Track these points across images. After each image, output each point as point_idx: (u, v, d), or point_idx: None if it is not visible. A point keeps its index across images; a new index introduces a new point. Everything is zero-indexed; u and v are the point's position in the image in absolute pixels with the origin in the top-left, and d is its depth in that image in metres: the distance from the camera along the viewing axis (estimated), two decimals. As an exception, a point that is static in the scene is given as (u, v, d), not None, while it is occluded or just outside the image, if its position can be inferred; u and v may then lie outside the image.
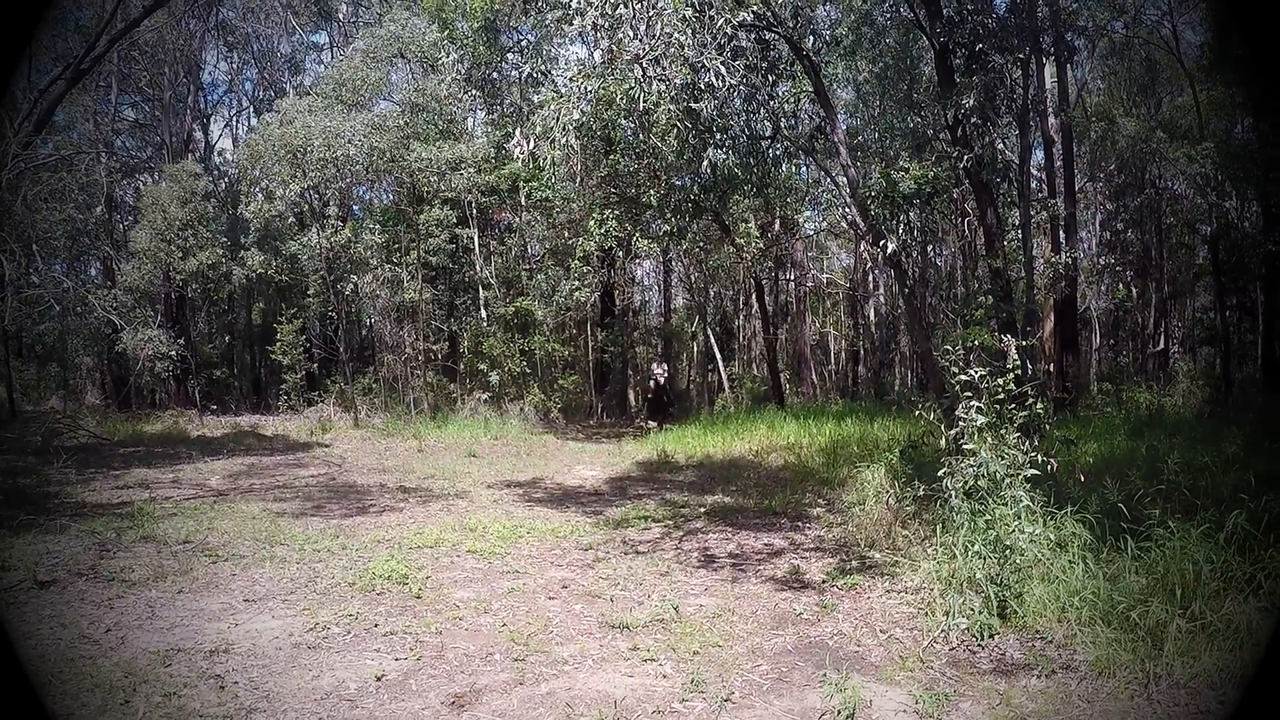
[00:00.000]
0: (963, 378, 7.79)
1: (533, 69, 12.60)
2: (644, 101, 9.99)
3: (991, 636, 6.63)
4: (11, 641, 5.98)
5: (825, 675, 5.97)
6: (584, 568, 9.08)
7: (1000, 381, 7.74)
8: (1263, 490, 7.14)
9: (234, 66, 37.35)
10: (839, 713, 5.41)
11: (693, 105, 10.19)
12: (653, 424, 22.94)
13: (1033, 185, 25.42)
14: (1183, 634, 5.88)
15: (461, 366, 28.05)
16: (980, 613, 6.75)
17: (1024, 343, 9.22)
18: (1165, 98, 30.53)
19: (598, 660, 6.30)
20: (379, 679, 5.87)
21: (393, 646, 6.51)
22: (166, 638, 6.53)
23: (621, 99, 10.45)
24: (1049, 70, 22.69)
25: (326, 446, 19.92)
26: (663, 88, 10.00)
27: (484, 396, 25.46)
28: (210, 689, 5.65)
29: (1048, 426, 10.24)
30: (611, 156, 16.44)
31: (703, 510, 12.13)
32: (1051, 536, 7.29)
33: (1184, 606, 6.04)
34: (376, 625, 6.96)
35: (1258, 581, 6.20)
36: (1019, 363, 8.04)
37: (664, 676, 6.00)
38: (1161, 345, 30.46)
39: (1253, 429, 14.33)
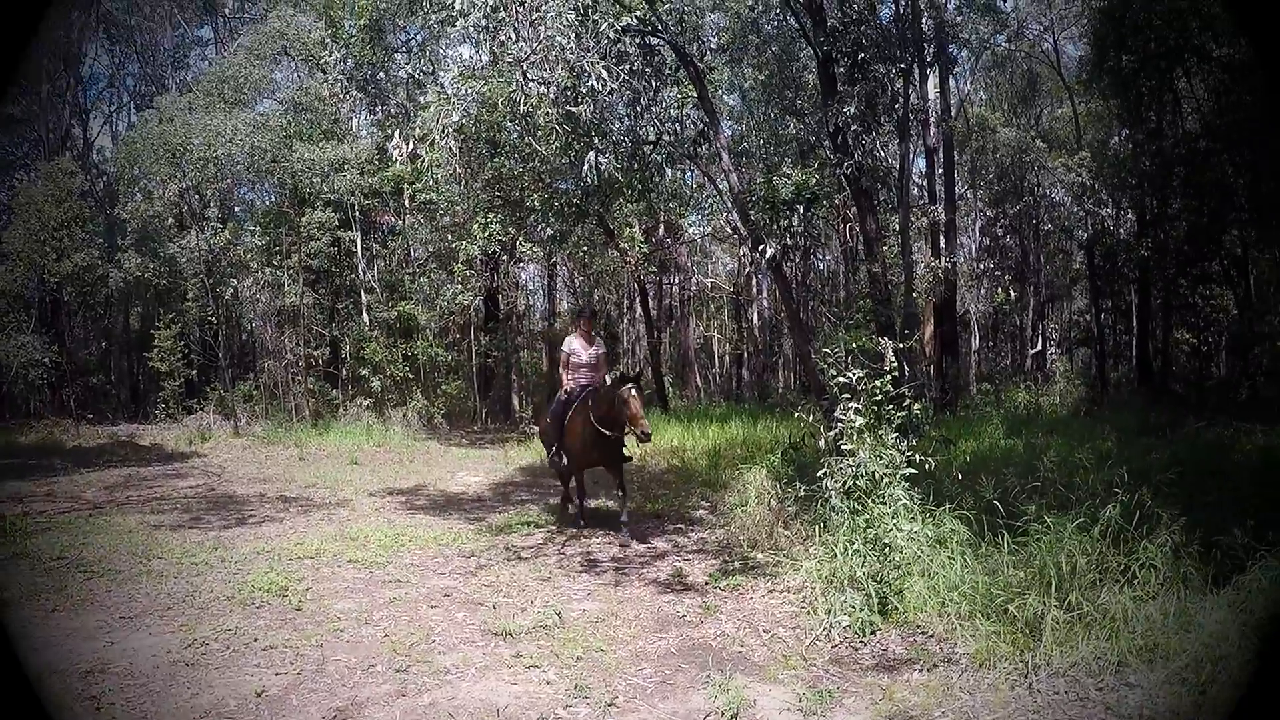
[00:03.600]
0: (841, 380, 7.90)
1: (416, 70, 12.46)
2: (524, 104, 9.94)
3: (873, 633, 6.75)
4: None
5: (709, 676, 6.01)
6: (466, 575, 9.00)
7: (878, 383, 7.86)
8: (1135, 484, 7.34)
9: (116, 60, 36.00)
10: (723, 713, 5.45)
11: (572, 109, 10.15)
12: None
13: (915, 192, 25.90)
14: (1060, 625, 6.04)
15: (344, 372, 27.58)
16: (861, 610, 6.85)
17: (901, 345, 9.37)
18: (1045, 109, 31.52)
19: (481, 669, 6.25)
20: (259, 695, 5.72)
21: (273, 661, 6.36)
22: (40, 658, 6.25)
23: (504, 102, 10.36)
24: (932, 81, 23.09)
25: (205, 456, 19.42)
26: (544, 90, 9.95)
27: (366, 403, 25.05)
28: (86, 711, 5.48)
29: (926, 426, 10.42)
30: (497, 159, 16.29)
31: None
32: (930, 533, 7.42)
33: (1061, 598, 6.19)
34: (256, 640, 6.80)
35: (1132, 572, 6.38)
36: (896, 365, 8.16)
37: (547, 683, 5.97)
38: (1039, 347, 31.25)
39: (1126, 426, 14.79)
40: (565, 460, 11.45)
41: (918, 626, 6.71)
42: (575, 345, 11.56)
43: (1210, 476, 9.60)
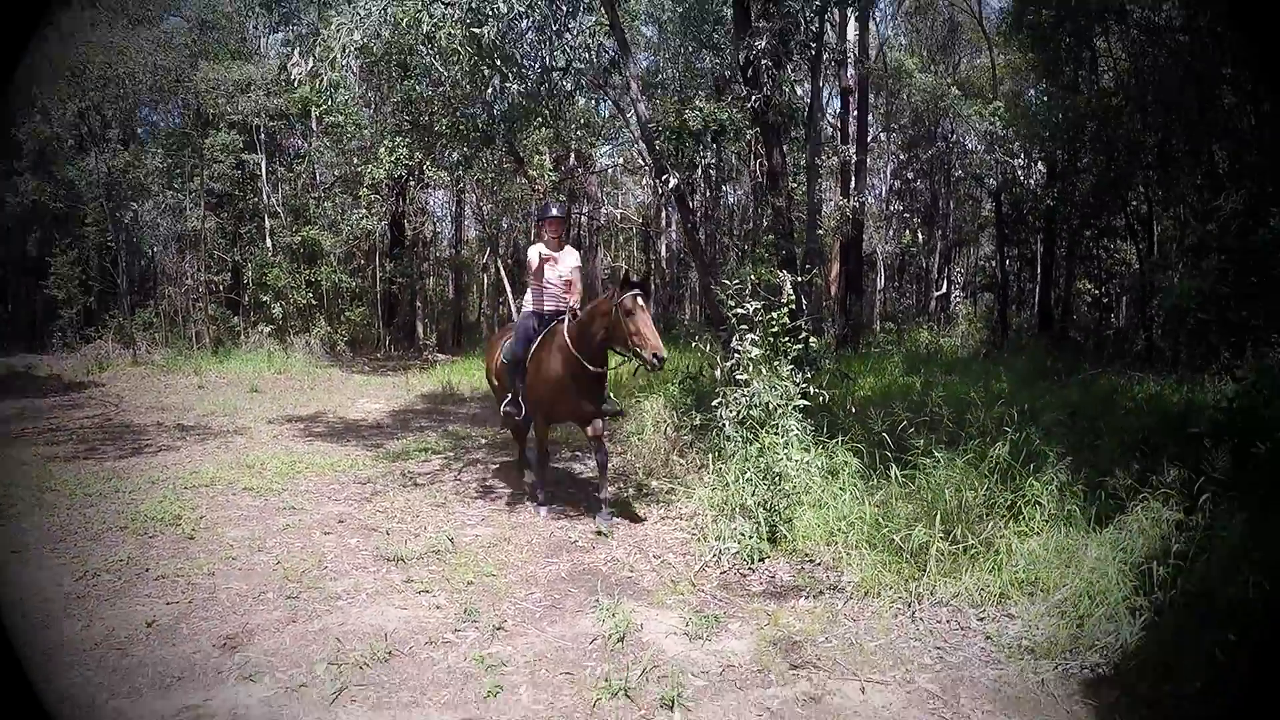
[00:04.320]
0: (739, 311, 7.93)
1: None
2: (428, 25, 9.73)
3: (762, 560, 6.86)
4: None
5: (598, 601, 6.06)
6: (361, 501, 8.96)
7: (774, 316, 7.89)
8: (1026, 424, 7.48)
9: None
10: (610, 637, 5.49)
11: (475, 30, 9.95)
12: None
13: (829, 132, 25.97)
14: (945, 556, 6.19)
15: (246, 298, 27.09)
16: (751, 538, 6.95)
17: (801, 280, 9.40)
18: (964, 58, 31.76)
19: (372, 594, 6.25)
20: (150, 625, 5.64)
21: (164, 591, 6.28)
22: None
23: (408, 22, 10.13)
24: (852, 22, 23.08)
25: (103, 385, 18.94)
26: (448, 11, 9.75)
27: (268, 329, 24.70)
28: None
29: (823, 360, 10.46)
30: (406, 82, 15.96)
31: (484, 442, 12.14)
32: (822, 464, 7.53)
33: (947, 531, 6.31)
34: (148, 570, 6.70)
35: (1018, 508, 6.52)
36: (793, 298, 8.20)
37: (437, 608, 5.99)
38: (944, 289, 31.65)
39: (1023, 369, 15.08)
40: (523, 410, 8.77)
41: (806, 555, 6.83)
42: (542, 253, 8.79)
43: (1100, 421, 9.79)
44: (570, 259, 9.00)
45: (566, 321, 8.40)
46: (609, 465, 8.59)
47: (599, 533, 7.90)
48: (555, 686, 4.90)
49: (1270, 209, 13.89)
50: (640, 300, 7.65)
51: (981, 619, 5.81)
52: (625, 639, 5.49)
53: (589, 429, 8.53)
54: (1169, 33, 19.15)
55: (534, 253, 8.84)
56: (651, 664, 5.13)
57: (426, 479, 9.96)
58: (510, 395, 8.85)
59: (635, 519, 8.31)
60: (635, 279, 7.80)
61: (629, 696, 4.76)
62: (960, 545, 6.26)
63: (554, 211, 9.11)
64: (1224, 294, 9.08)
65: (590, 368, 8.11)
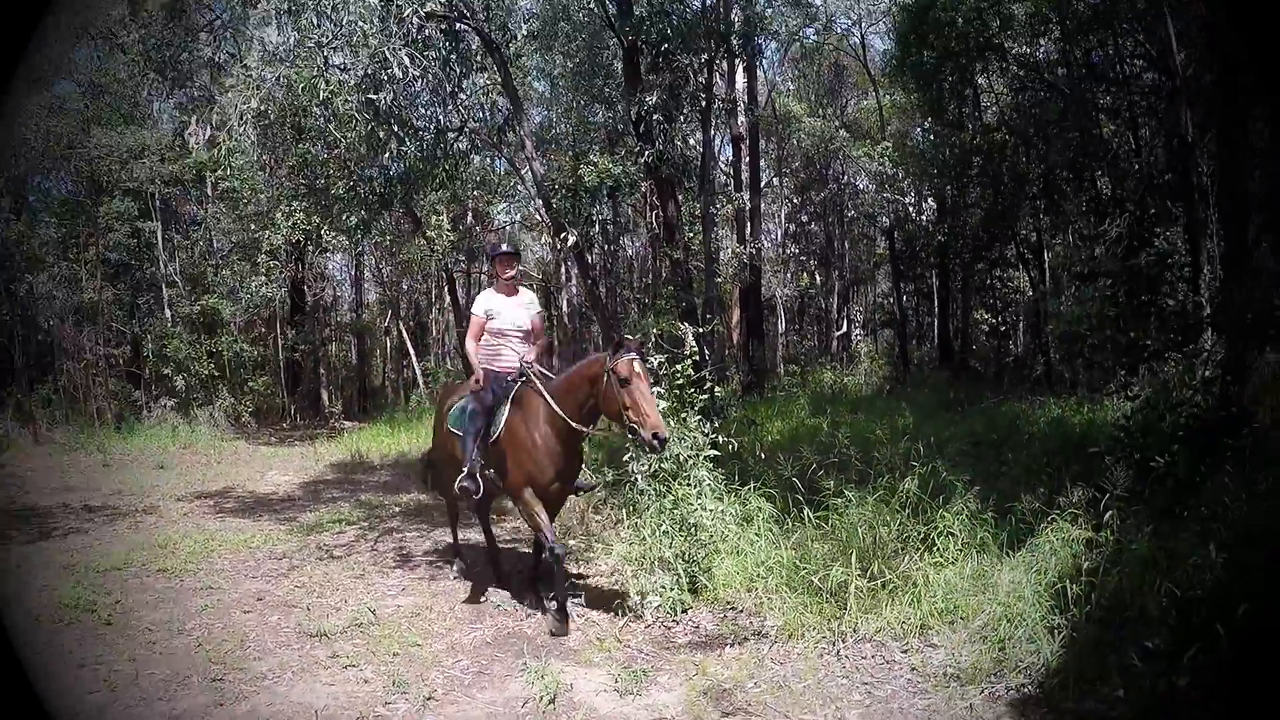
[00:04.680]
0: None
1: (219, 54, 12.09)
2: (325, 91, 9.76)
3: (685, 611, 6.93)
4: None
5: (525, 664, 6.04)
6: (279, 577, 8.81)
7: (679, 368, 8.01)
8: (931, 457, 7.66)
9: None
10: (540, 699, 5.49)
11: (372, 97, 10.00)
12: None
13: (721, 180, 26.31)
14: (864, 593, 6.34)
15: (146, 371, 26.52)
16: (672, 590, 7.02)
17: (703, 330, 9.54)
18: (851, 100, 32.40)
19: (298, 671, 6.15)
20: (73, 718, 5.50)
21: (84, 680, 6.08)
22: None
23: (304, 89, 10.14)
24: (740, 71, 23.47)
25: (3, 467, 18.45)
26: (344, 78, 9.80)
27: (171, 403, 24.13)
28: None
29: (729, 408, 10.59)
30: (301, 146, 15.86)
31: (398, 510, 12.01)
32: (736, 512, 7.65)
33: (864, 568, 6.46)
34: (67, 658, 6.49)
35: (931, 540, 6.69)
36: (696, 349, 8.32)
37: (365, 681, 5.93)
38: (845, 329, 32.12)
39: (926, 402, 15.38)
40: (481, 487, 7.41)
41: (728, 603, 6.93)
42: (495, 302, 7.86)
43: (1004, 447, 10.04)
44: (529, 303, 8.06)
45: (535, 380, 7.42)
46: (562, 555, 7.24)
47: (552, 634, 6.84)
48: (491, 753, 4.90)
49: (1154, 231, 14.43)
50: (638, 367, 6.69)
51: (905, 651, 5.95)
52: (556, 700, 5.49)
53: (554, 506, 7.51)
54: (1047, 67, 19.85)
55: (481, 305, 7.93)
56: (584, 722, 5.16)
57: (343, 550, 9.83)
58: (466, 470, 7.44)
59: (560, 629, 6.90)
60: (631, 341, 6.85)
61: (565, 757, 4.79)
62: (879, 581, 6.41)
63: (505, 248, 8.14)
64: (1113, 316, 9.40)
65: (582, 429, 7.13)
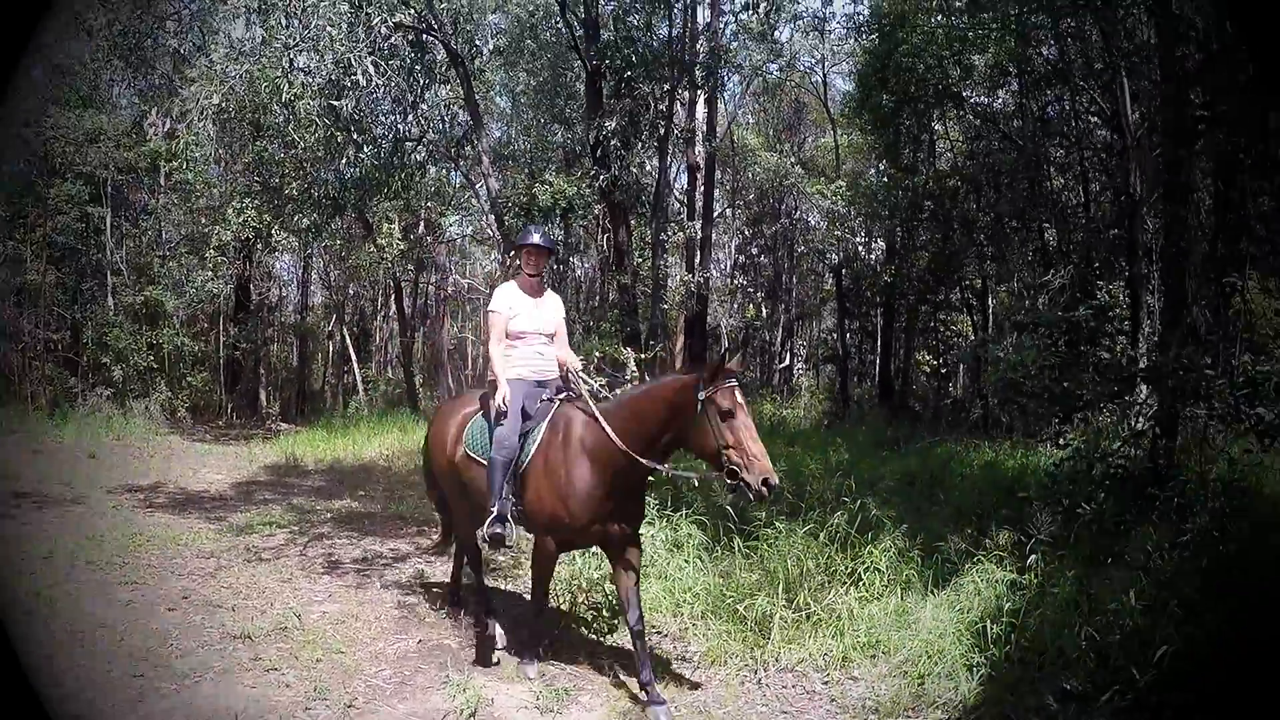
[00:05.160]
0: (586, 387, 8.05)
1: (184, 44, 12.02)
2: (288, 93, 9.75)
3: (611, 632, 6.93)
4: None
5: (448, 677, 6.04)
6: (205, 577, 8.69)
7: (619, 391, 8.06)
8: (862, 493, 7.78)
9: None
10: (461, 712, 5.50)
11: (333, 102, 10.00)
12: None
13: (675, 207, 26.43)
14: (789, 624, 6.43)
15: (84, 359, 26.13)
16: (602, 611, 7.01)
17: (644, 355, 9.60)
18: (810, 137, 32.69)
19: (219, 672, 6.10)
20: (-10, 710, 5.42)
21: (3, 674, 6.01)
22: None
23: (267, 89, 10.12)
24: (701, 101, 23.63)
25: (-70, 451, 18.10)
26: (308, 80, 9.80)
27: (108, 393, 23.81)
28: None
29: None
30: (259, 143, 15.75)
31: (329, 515, 11.86)
32: (666, 537, 7.69)
33: (790, 598, 6.57)
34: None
35: (857, 575, 6.79)
36: (636, 374, 8.38)
37: (286, 686, 5.89)
38: (787, 362, 32.32)
39: (863, 439, 15.54)
40: (512, 533, 6.21)
41: (653, 626, 6.95)
42: (514, 298, 6.60)
43: (936, 488, 10.18)
44: (554, 306, 6.84)
45: (587, 399, 6.30)
46: (642, 621, 5.96)
47: None
48: (409, 763, 4.90)
49: (1096, 284, 14.72)
50: (740, 397, 5.56)
51: (826, 683, 6.04)
52: (477, 714, 5.52)
53: (622, 561, 6.09)
54: (1003, 118, 20.23)
55: (502, 299, 6.61)
56: (503, 738, 5.17)
57: (271, 553, 9.70)
58: (496, 511, 6.10)
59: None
60: (733, 365, 5.71)
61: (484, 770, 4.80)
62: (803, 612, 6.51)
63: (535, 238, 6.71)
64: (1050, 365, 9.57)
65: (650, 466, 5.82)
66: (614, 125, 12.80)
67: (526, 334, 6.59)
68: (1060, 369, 9.38)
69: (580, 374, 6.57)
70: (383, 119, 12.30)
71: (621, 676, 6.14)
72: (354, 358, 30.46)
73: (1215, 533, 6.64)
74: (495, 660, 6.46)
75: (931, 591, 6.80)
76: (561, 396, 6.42)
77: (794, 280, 32.47)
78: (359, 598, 8.09)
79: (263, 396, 31.29)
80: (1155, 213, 12.68)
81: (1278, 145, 9.98)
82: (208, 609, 7.61)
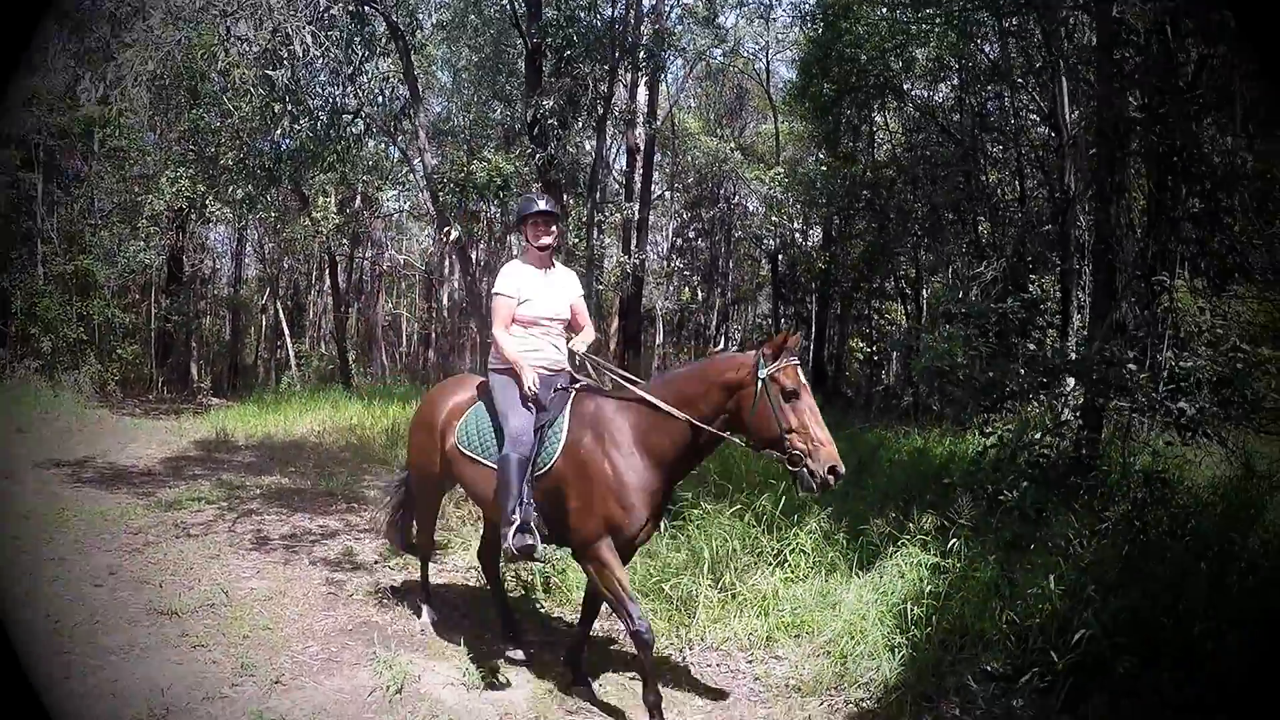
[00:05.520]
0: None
1: (117, 8, 11.79)
2: (223, 60, 9.64)
3: (539, 611, 6.97)
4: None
5: (375, 653, 6.03)
6: (133, 553, 8.58)
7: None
8: (789, 476, 7.89)
9: None
10: (388, 689, 5.51)
11: (270, 72, 9.90)
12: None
13: (614, 189, 26.42)
14: (714, 603, 6.49)
15: (12, 329, 25.64)
16: (526, 588, 7.07)
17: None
18: (751, 123, 32.79)
19: (146, 649, 6.06)
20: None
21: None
22: None
23: (203, 56, 10.01)
24: (643, 84, 23.62)
25: None
26: (244, 49, 9.69)
27: (35, 365, 23.43)
28: None
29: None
30: (194, 111, 15.50)
31: (259, 492, 11.74)
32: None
33: (715, 579, 6.63)
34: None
35: (783, 556, 6.90)
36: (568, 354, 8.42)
37: (214, 662, 5.86)
38: (722, 346, 32.43)
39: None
40: (538, 544, 5.42)
41: (579, 604, 7.00)
42: (524, 279, 5.91)
43: (864, 473, 10.31)
44: (568, 284, 6.19)
45: (594, 386, 5.87)
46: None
47: None
48: (334, 740, 4.91)
49: (1028, 277, 14.97)
50: (802, 376, 5.25)
51: (750, 661, 6.17)
52: (403, 690, 5.52)
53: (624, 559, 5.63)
54: (943, 112, 20.46)
55: (510, 280, 5.90)
56: (430, 715, 5.21)
57: (200, 529, 9.58)
58: (519, 519, 5.39)
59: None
60: (794, 342, 5.31)
61: (408, 747, 4.83)
62: (729, 592, 6.61)
63: (541, 204, 6.00)
64: (978, 355, 9.73)
65: (703, 441, 5.39)
66: (552, 104, 12.75)
67: (539, 320, 5.92)
68: (988, 359, 9.53)
69: (591, 357, 6.04)
70: (320, 90, 12.17)
71: (546, 656, 6.21)
72: (287, 332, 30.15)
73: (1136, 521, 6.84)
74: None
75: (856, 574, 6.93)
76: (578, 386, 5.85)
77: (730, 265, 32.60)
78: (287, 574, 8.05)
79: (194, 370, 30.86)
80: (1088, 210, 12.90)
81: (1210, 149, 10.23)
82: (135, 585, 7.53)
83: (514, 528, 5.34)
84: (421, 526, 6.95)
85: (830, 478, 4.97)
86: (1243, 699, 5.08)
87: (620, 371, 6.04)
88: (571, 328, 6.10)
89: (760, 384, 5.10)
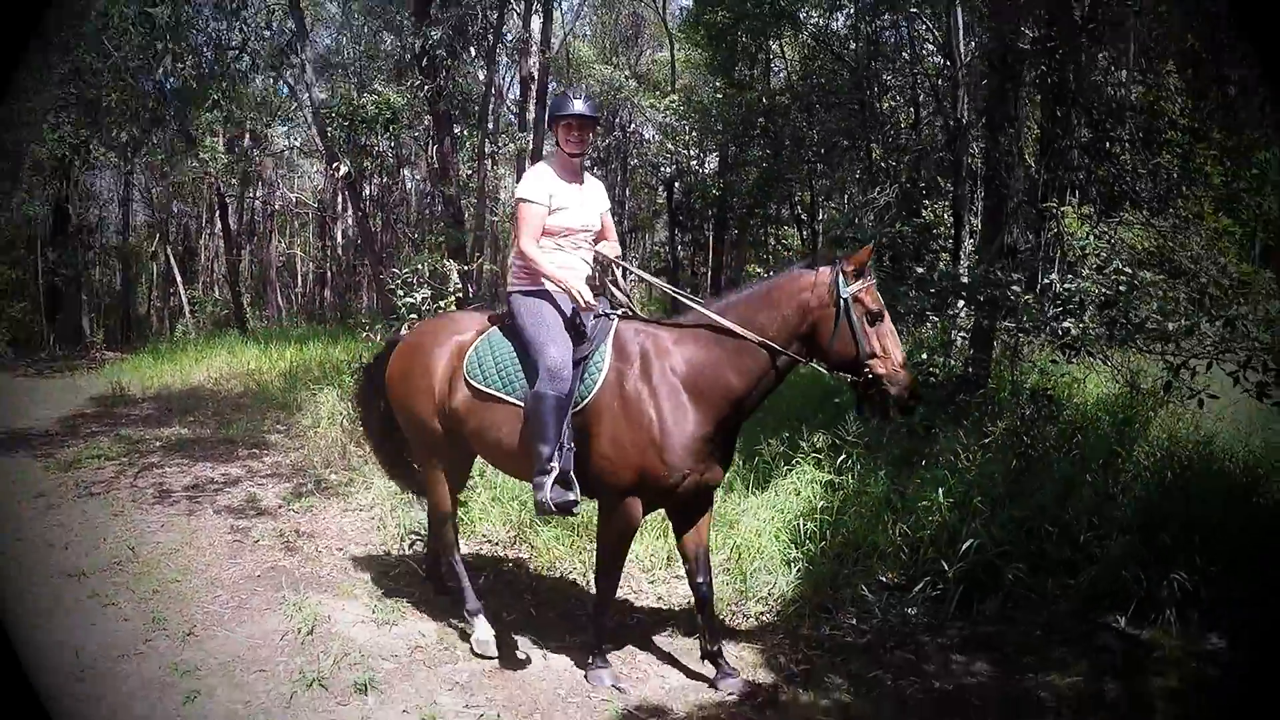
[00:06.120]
0: (409, 300, 8.08)
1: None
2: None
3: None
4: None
5: (284, 597, 6.07)
6: (36, 516, 8.40)
7: (441, 304, 8.12)
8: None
9: None
10: (300, 631, 5.54)
11: (149, 10, 9.66)
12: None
13: (509, 119, 26.23)
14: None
15: (-105, 292, 24.88)
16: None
17: (468, 267, 9.62)
18: (647, 51, 32.63)
19: (55, 612, 6.00)
20: None
21: None
22: None
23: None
24: (536, 14, 23.45)
25: None
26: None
27: (-80, 327, 22.81)
28: None
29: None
30: (73, 53, 15.02)
31: (159, 444, 11.51)
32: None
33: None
34: None
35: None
36: (460, 286, 8.44)
37: (125, 620, 5.83)
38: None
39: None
40: (577, 496, 4.84)
41: (485, 537, 7.15)
42: (554, 184, 5.16)
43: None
44: (599, 195, 5.50)
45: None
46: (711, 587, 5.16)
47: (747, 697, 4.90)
48: (250, 684, 4.93)
49: (922, 202, 15.26)
50: (873, 284, 4.75)
51: (652, 582, 6.40)
52: (315, 631, 5.56)
53: (691, 517, 5.13)
54: (837, 41, 20.60)
55: (537, 183, 5.16)
56: (342, 653, 5.25)
57: (101, 487, 9.39)
58: (558, 468, 4.76)
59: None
60: (868, 261, 4.76)
61: (323, 685, 4.88)
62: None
63: (577, 106, 5.18)
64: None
65: (776, 370, 4.82)
66: (440, 35, 12.62)
67: (572, 230, 5.22)
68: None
69: (632, 269, 5.60)
70: (203, 26, 11.91)
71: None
72: (179, 279, 29.55)
73: (1024, 437, 7.11)
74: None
75: (752, 493, 7.19)
76: (620, 312, 5.20)
77: (627, 193, 32.58)
78: (192, 525, 7.98)
79: (86, 325, 30.03)
80: (980, 138, 13.16)
81: (1101, 80, 10.51)
82: (40, 548, 7.40)
83: (551, 477, 4.74)
84: (432, 487, 5.78)
85: (912, 402, 4.67)
86: (1129, 597, 5.40)
87: (678, 290, 5.63)
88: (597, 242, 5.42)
89: (839, 305, 4.60)
